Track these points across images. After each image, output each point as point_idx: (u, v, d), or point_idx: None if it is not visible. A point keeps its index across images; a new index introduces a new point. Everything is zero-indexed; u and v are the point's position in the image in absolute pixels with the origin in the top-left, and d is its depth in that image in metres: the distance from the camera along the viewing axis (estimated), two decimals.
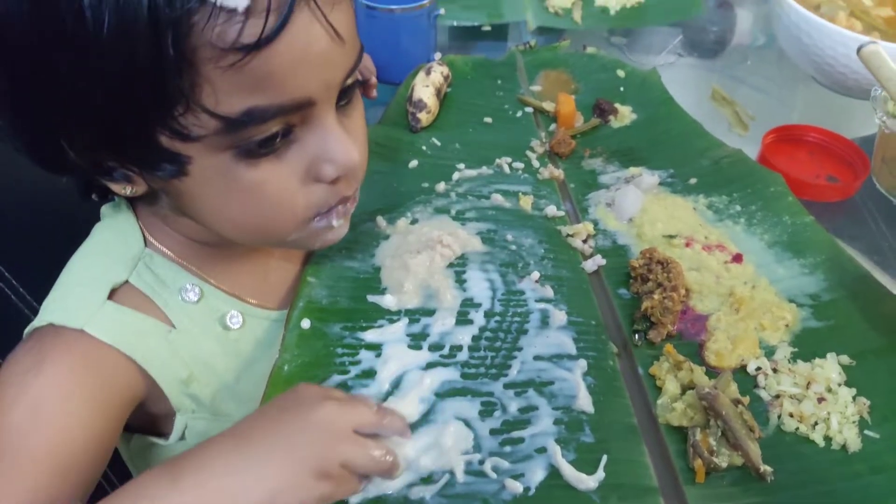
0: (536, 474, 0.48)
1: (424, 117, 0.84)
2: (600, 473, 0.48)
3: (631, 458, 0.51)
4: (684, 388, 0.54)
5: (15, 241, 0.61)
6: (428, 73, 0.88)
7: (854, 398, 0.54)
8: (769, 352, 0.58)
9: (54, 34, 0.39)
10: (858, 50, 0.71)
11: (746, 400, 0.52)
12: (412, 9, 0.96)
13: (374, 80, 0.88)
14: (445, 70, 0.91)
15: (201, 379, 0.54)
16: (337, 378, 0.52)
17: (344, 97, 0.49)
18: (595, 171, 0.81)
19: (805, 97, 1.07)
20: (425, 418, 0.51)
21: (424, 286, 0.60)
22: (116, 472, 0.63)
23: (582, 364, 0.55)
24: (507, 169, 0.79)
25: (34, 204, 0.58)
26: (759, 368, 0.56)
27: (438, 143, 0.83)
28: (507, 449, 0.49)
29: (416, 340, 0.56)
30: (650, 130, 0.87)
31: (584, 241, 0.69)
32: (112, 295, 0.51)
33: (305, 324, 0.55)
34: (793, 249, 0.67)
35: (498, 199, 0.73)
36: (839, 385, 0.54)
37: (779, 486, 0.49)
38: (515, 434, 0.50)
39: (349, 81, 0.48)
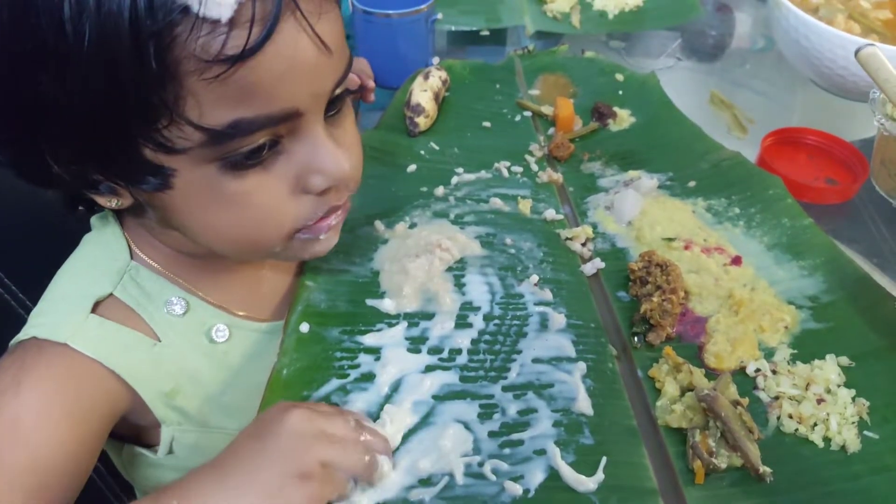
0: (536, 476, 0.48)
1: (422, 122, 0.84)
2: (600, 475, 0.48)
3: (630, 459, 0.50)
4: (683, 390, 0.54)
5: (14, 244, 0.62)
6: (426, 77, 0.88)
7: (853, 399, 0.54)
8: (768, 353, 0.58)
9: (35, 48, 0.39)
10: (856, 52, 0.71)
11: (746, 401, 0.52)
12: (410, 13, 0.96)
13: (371, 84, 0.88)
14: (444, 75, 0.91)
15: (187, 391, 0.53)
16: (336, 382, 0.52)
17: (333, 107, 0.49)
18: (594, 174, 0.81)
19: (804, 100, 1.07)
20: (425, 421, 0.51)
21: (423, 290, 0.60)
22: (118, 481, 0.63)
23: (581, 366, 0.55)
24: (505, 173, 0.79)
25: (33, 207, 0.57)
26: (758, 370, 0.56)
27: (437, 148, 0.83)
28: (507, 451, 0.49)
29: (415, 344, 0.56)
30: (649, 134, 0.87)
31: (583, 245, 0.69)
32: (96, 308, 0.51)
33: (304, 328, 0.55)
34: (792, 252, 0.67)
35: (497, 202, 0.73)
36: (838, 386, 0.54)
37: (778, 487, 0.49)
38: (515, 436, 0.50)
39: (338, 91, 0.48)
